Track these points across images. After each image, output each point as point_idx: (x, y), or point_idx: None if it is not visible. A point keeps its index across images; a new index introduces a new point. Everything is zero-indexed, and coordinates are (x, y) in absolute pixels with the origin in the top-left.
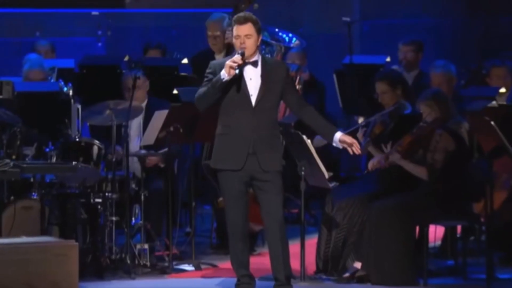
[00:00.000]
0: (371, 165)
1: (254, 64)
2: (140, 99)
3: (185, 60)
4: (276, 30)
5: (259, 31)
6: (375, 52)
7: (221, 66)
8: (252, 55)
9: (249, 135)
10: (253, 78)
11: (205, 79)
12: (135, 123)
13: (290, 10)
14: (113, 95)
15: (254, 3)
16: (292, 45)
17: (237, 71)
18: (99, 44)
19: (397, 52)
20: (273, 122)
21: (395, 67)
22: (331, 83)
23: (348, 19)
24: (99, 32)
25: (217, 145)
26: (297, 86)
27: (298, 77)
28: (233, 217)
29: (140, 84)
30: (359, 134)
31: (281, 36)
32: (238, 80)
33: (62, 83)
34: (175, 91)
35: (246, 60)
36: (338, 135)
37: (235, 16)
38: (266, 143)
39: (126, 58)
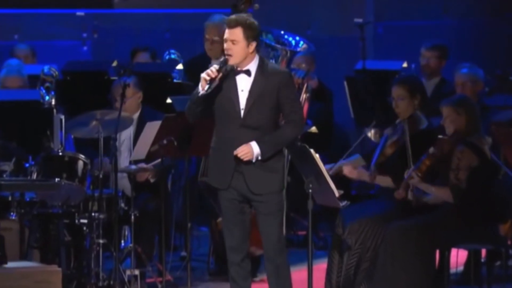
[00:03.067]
0: (398, 195)
1: (247, 73)
2: (132, 110)
3: (179, 66)
4: (281, 32)
5: (252, 37)
6: (391, 57)
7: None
8: (243, 63)
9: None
10: (244, 89)
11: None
12: (125, 136)
13: (296, 10)
14: (100, 105)
15: (255, 3)
16: (298, 49)
17: (207, 88)
18: (85, 48)
19: (414, 57)
20: None
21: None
22: (341, 91)
23: (360, 20)
24: (85, 35)
25: (209, 158)
26: (304, 95)
27: (305, 85)
28: (229, 240)
29: (130, 93)
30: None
31: (287, 39)
32: (231, 91)
33: (44, 91)
34: (168, 100)
35: (238, 69)
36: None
37: (227, 18)
38: (257, 162)
39: (115, 64)
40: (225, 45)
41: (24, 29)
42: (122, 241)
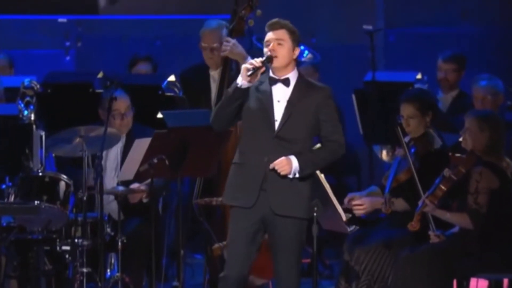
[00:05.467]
0: (411, 227)
1: (285, 83)
2: (125, 128)
3: (171, 77)
4: None
5: (296, 41)
6: (403, 67)
7: None
8: (283, 70)
9: (263, 166)
10: (281, 100)
11: None
12: (112, 154)
13: (300, 16)
14: (84, 120)
15: (257, 10)
16: (303, 59)
17: (250, 73)
18: (67, 57)
19: (428, 67)
20: (300, 154)
21: (419, 85)
22: (349, 105)
23: (370, 27)
24: (67, 43)
25: (230, 176)
26: None
27: None
28: (229, 268)
29: (127, 108)
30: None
31: None
32: (266, 100)
33: (22, 105)
34: (159, 115)
35: (277, 77)
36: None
37: (269, 21)
38: (284, 180)
39: (100, 75)
40: (267, 48)
41: (0, 37)
42: (108, 270)
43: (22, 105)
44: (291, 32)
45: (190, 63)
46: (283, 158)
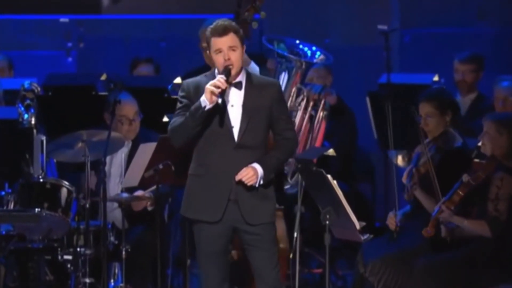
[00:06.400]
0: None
1: (238, 86)
2: (132, 134)
3: (177, 80)
4: (296, 42)
5: (242, 41)
6: (419, 69)
7: (197, 88)
8: (237, 74)
9: (229, 178)
10: (235, 105)
11: (179, 104)
12: (117, 160)
13: (313, 17)
14: (86, 124)
15: (261, 12)
16: (315, 60)
17: (219, 100)
18: (69, 59)
19: (445, 69)
20: None
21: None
22: (363, 108)
23: (385, 27)
24: (69, 44)
25: (189, 188)
26: (321, 113)
27: (322, 101)
28: (208, 281)
29: (131, 114)
30: (404, 176)
31: (302, 50)
32: (218, 107)
33: (22, 108)
34: (165, 119)
35: (230, 81)
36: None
37: (210, 28)
38: (252, 188)
39: (103, 77)
40: (218, 56)
41: None
42: (112, 281)
43: (22, 108)
44: (238, 33)
45: (196, 65)
46: (248, 168)
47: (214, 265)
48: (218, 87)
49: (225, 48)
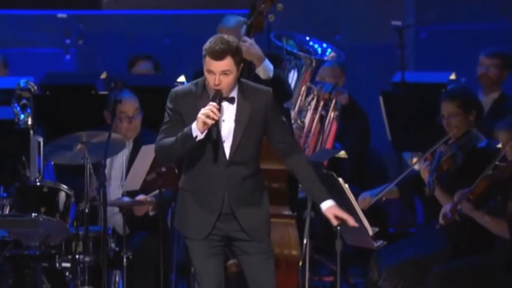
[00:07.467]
0: (443, 218)
1: (231, 101)
2: (137, 132)
3: (181, 78)
4: (306, 38)
5: (241, 61)
6: (435, 67)
7: (186, 99)
8: (229, 91)
9: (220, 195)
10: (227, 119)
11: (166, 116)
12: (117, 162)
13: (323, 12)
14: (86, 125)
15: (278, 3)
16: (326, 58)
17: (213, 133)
18: (68, 56)
19: (463, 67)
20: (255, 171)
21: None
22: (376, 108)
23: (399, 23)
24: (68, 41)
25: (180, 203)
26: (332, 113)
27: (333, 101)
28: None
29: (136, 111)
30: (421, 167)
31: (312, 47)
32: (210, 134)
33: (18, 108)
34: None
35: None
36: (328, 204)
37: (209, 44)
38: (248, 202)
39: (104, 76)
40: (210, 76)
41: None
42: None
43: (18, 108)
44: (236, 55)
45: (201, 63)
46: (340, 211)
47: (213, 278)
48: (210, 117)
49: (218, 72)
